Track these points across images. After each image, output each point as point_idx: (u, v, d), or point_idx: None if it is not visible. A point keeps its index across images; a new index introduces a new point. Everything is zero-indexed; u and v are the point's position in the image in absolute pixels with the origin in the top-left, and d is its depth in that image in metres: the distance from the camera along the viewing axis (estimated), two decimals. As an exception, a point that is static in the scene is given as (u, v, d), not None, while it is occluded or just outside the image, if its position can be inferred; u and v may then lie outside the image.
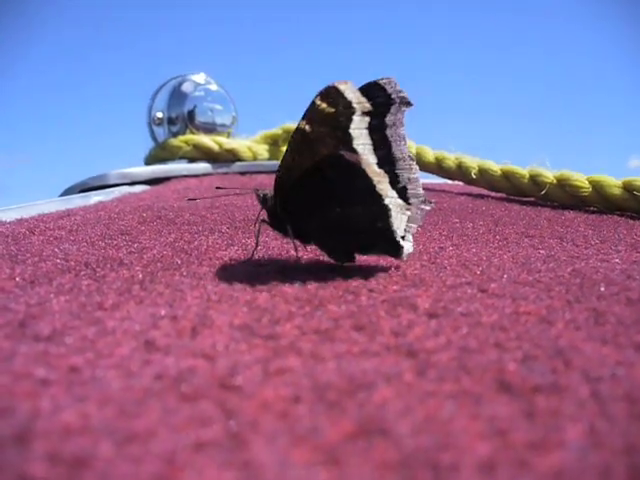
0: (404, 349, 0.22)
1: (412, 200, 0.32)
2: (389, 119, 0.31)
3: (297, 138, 0.31)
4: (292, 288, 0.29)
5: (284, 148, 0.91)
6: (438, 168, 0.72)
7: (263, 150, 0.89)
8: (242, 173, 0.83)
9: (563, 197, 0.60)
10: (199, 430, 0.16)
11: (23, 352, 0.21)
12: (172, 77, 0.89)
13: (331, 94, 0.30)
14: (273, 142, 0.91)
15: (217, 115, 0.87)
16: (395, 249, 0.31)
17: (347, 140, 0.30)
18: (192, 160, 0.85)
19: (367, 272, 0.32)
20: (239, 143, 0.87)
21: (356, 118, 0.30)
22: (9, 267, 0.33)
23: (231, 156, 0.85)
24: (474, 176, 0.67)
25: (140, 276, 0.31)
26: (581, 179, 0.59)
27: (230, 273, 0.32)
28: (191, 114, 0.86)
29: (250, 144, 0.88)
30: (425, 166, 0.72)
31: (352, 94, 0.30)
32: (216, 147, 0.84)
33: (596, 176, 0.59)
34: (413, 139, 0.75)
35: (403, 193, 0.32)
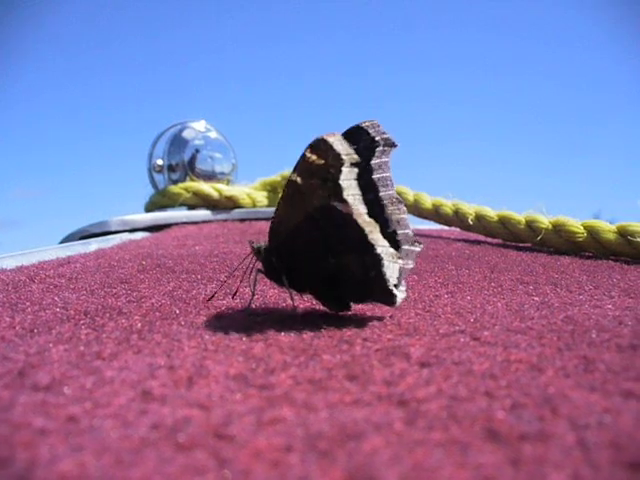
0: (395, 398, 0.22)
1: (403, 244, 0.32)
2: (374, 162, 0.32)
3: (289, 190, 0.32)
4: (288, 337, 0.29)
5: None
6: (436, 215, 0.73)
7: (262, 197, 0.90)
8: (241, 220, 0.84)
9: (559, 243, 0.61)
10: (193, 479, 0.17)
11: (22, 402, 0.22)
12: (172, 124, 0.90)
13: (320, 146, 0.30)
14: (272, 189, 0.92)
15: (217, 163, 0.89)
16: (389, 297, 0.32)
17: (337, 191, 0.31)
18: (192, 207, 0.86)
19: (362, 321, 0.32)
20: (238, 190, 0.88)
21: (345, 169, 0.30)
22: (9, 316, 0.34)
23: (231, 203, 0.87)
24: (471, 222, 0.68)
25: (139, 325, 0.32)
26: (576, 224, 0.60)
27: (227, 323, 0.32)
28: (191, 162, 0.87)
29: (249, 191, 0.89)
30: (423, 213, 0.73)
31: (340, 146, 0.30)
32: (216, 194, 0.85)
33: (591, 221, 0.60)
34: (411, 186, 0.76)
35: (393, 237, 0.32)
